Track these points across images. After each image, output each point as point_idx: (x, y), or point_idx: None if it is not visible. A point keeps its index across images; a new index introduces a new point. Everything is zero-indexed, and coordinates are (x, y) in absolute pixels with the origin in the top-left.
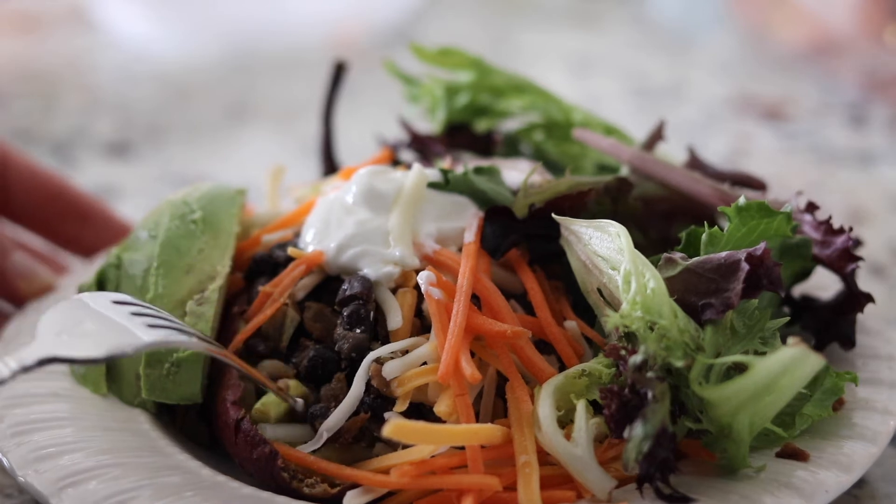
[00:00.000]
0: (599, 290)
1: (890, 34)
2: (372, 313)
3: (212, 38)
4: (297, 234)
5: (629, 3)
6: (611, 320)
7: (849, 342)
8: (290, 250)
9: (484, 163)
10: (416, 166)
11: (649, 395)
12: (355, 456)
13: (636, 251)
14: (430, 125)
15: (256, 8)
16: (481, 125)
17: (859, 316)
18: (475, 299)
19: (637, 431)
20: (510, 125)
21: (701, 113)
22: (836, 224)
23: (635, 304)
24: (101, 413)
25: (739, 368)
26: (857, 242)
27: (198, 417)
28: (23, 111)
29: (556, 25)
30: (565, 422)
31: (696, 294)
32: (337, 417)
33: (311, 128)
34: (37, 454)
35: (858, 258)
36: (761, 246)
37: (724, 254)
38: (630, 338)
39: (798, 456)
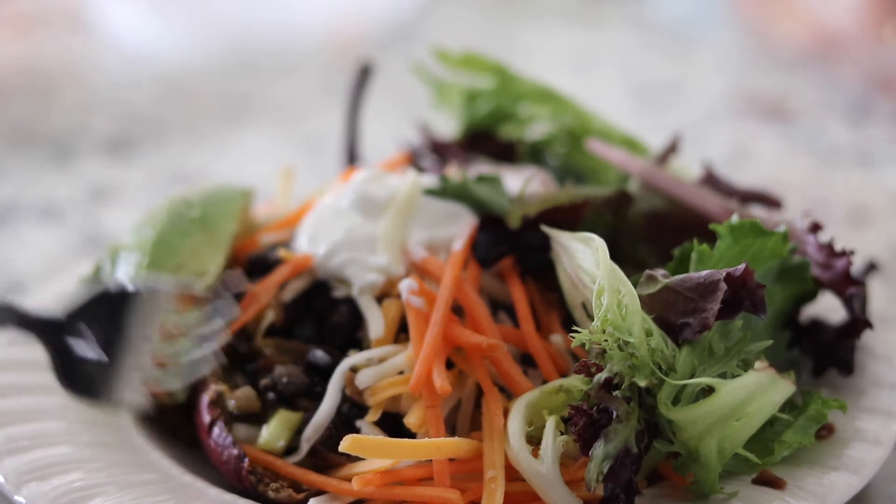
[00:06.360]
0: (584, 305)
1: (891, 32)
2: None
3: (212, 38)
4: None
5: (630, 1)
6: (578, 337)
7: (846, 368)
8: (281, 252)
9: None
10: (411, 173)
11: (615, 414)
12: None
13: (615, 267)
14: (454, 130)
15: (256, 8)
16: (504, 133)
17: (870, 340)
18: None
19: (598, 451)
20: (534, 134)
21: (702, 111)
22: (838, 247)
23: (606, 321)
24: (86, 408)
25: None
26: (872, 266)
27: (184, 416)
28: (22, 111)
29: (557, 23)
30: (540, 438)
31: (675, 313)
32: (314, 427)
33: (311, 127)
34: (9, 447)
35: (858, 283)
36: (741, 266)
37: (704, 273)
38: (603, 355)
39: (774, 484)
